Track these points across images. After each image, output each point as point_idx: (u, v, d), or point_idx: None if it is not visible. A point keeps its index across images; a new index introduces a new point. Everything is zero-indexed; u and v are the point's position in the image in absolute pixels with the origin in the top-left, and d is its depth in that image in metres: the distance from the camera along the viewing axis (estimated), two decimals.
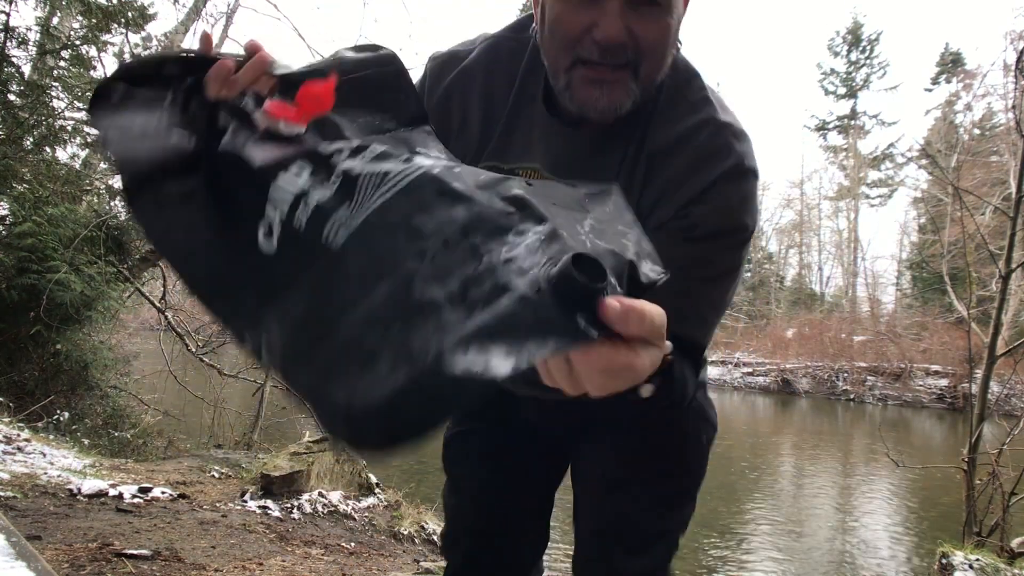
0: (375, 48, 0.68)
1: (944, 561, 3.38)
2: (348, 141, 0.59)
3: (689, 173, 0.73)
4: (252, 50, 0.62)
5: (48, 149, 6.37)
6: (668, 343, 0.50)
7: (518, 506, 1.03)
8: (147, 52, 8.51)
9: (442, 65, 0.84)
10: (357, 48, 0.68)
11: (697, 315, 0.76)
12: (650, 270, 0.50)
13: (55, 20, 6.88)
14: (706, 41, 69.80)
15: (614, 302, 0.41)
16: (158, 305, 7.15)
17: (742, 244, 0.76)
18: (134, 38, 8.08)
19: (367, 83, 0.65)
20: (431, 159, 0.59)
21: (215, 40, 8.97)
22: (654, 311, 0.43)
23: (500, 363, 0.40)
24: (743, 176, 0.74)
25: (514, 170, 0.79)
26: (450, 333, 0.43)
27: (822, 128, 35.71)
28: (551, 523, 1.10)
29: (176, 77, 0.63)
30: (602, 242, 0.49)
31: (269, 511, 3.67)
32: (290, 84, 0.61)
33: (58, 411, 5.71)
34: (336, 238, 0.53)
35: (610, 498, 0.93)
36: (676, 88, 0.77)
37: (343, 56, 0.66)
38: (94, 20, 6.46)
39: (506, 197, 0.52)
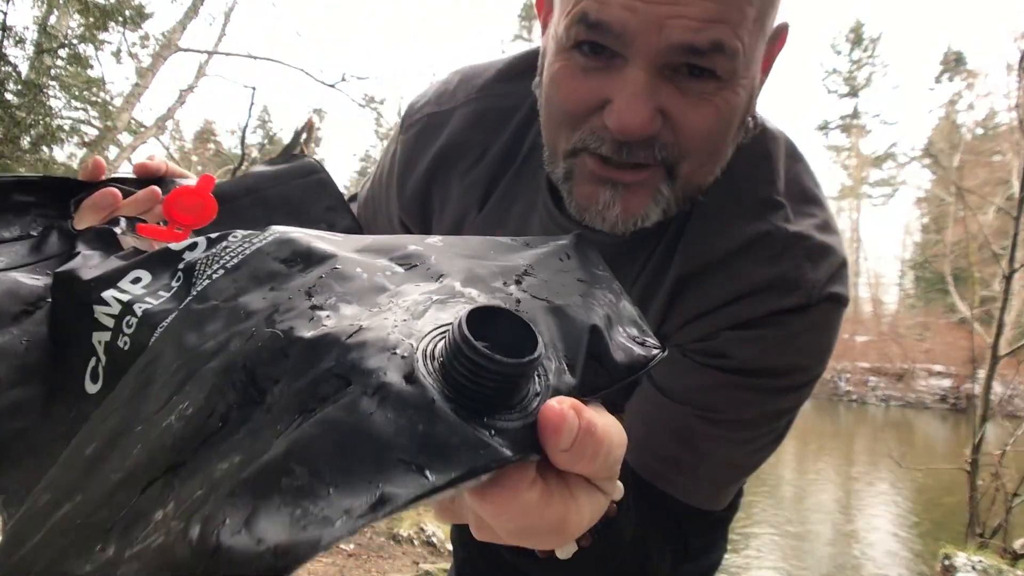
0: (293, 158, 0.62)
1: (947, 562, 3.36)
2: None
3: (733, 304, 0.51)
4: (143, 173, 0.51)
5: (45, 148, 6.35)
6: (620, 486, 0.33)
7: None
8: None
9: (418, 137, 0.65)
10: (272, 160, 0.62)
11: (708, 477, 0.54)
12: (631, 341, 0.32)
13: (52, 19, 6.87)
14: None
15: (556, 408, 0.24)
16: None
17: (798, 388, 0.53)
18: (131, 36, 8.07)
19: (285, 197, 0.58)
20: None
21: (215, 39, 8.95)
22: (614, 436, 0.26)
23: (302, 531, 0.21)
24: (819, 309, 0.52)
25: None
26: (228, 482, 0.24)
27: (824, 127, 35.68)
28: None
29: (33, 204, 0.51)
30: (543, 297, 0.32)
31: None
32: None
33: None
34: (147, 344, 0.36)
35: None
36: (732, 174, 0.51)
37: (257, 170, 0.60)
38: (91, 19, 6.45)
39: (395, 256, 0.36)
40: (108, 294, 0.40)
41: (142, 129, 8.27)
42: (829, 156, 35.67)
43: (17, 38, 5.80)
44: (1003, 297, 4.00)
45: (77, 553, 0.26)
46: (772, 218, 0.52)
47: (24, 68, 6.23)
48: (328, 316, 0.29)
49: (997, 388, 4.93)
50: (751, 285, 0.50)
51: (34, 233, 0.49)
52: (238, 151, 7.06)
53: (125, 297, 0.39)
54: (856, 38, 34.49)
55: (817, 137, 36.31)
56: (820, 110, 46.23)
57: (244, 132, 6.78)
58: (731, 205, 0.52)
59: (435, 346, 0.26)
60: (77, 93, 6.38)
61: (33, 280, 0.45)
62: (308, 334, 0.28)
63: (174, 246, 0.41)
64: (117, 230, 0.49)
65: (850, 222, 32.91)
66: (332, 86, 7.72)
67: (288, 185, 0.60)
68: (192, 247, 0.40)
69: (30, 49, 6.13)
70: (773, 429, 0.54)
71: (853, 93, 34.82)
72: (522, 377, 0.25)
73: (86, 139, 6.79)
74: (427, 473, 0.22)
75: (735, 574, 5.24)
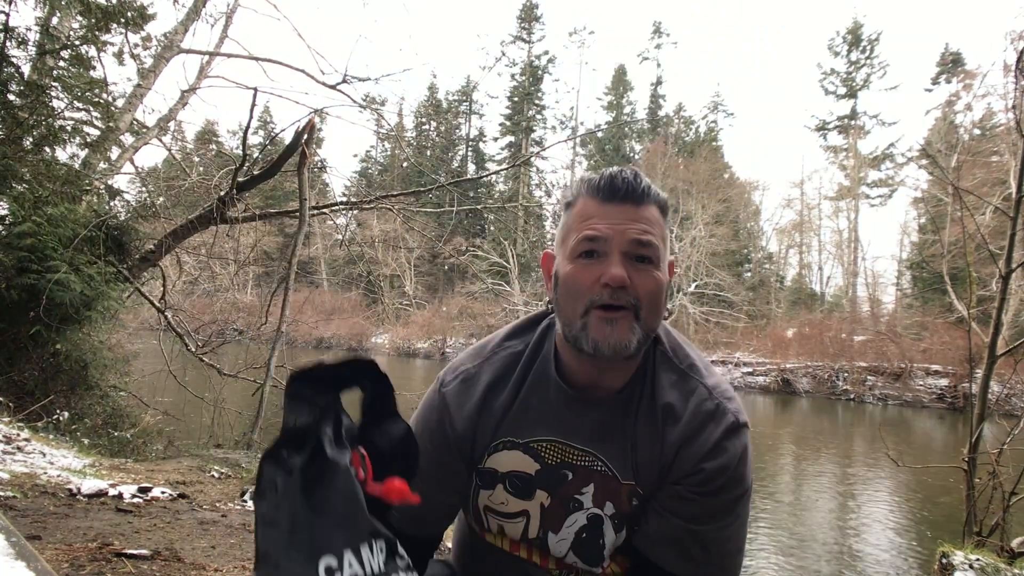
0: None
1: (944, 561, 3.38)
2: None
3: (697, 432, 0.83)
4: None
5: (48, 149, 6.36)
6: None
7: None
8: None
9: (463, 383, 0.93)
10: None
11: (721, 568, 0.84)
12: None
13: (55, 20, 6.87)
14: (707, 41, 69.76)
15: None
16: (158, 305, 7.15)
17: (745, 497, 0.84)
18: (133, 38, 8.08)
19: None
20: None
21: (214, 41, 8.93)
22: None
23: None
24: (739, 431, 0.83)
25: (528, 443, 0.87)
26: None
27: (822, 128, 35.72)
28: None
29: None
30: None
31: None
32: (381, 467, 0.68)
33: (58, 411, 5.71)
34: None
35: None
36: (666, 356, 0.90)
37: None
38: (94, 20, 6.46)
39: None
40: (365, 550, 0.62)
41: (144, 130, 8.27)
42: (827, 157, 35.77)
43: (19, 39, 5.80)
44: (1000, 297, 4.02)
45: None
46: (698, 377, 0.87)
47: (26, 69, 6.24)
48: None
49: (994, 387, 4.96)
50: (701, 416, 0.84)
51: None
52: (239, 151, 7.07)
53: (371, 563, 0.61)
54: (854, 39, 34.54)
55: (815, 138, 36.41)
56: (818, 111, 46.25)
57: (246, 133, 6.79)
58: (673, 369, 0.88)
59: None
60: (79, 94, 6.37)
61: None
62: None
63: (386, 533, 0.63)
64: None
65: (848, 222, 33.00)
66: (334, 87, 7.72)
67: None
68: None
69: (32, 50, 6.14)
70: (740, 522, 0.86)
71: (851, 94, 34.89)
72: None
73: (88, 140, 6.79)
74: None
75: None
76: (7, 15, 5.68)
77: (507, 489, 0.87)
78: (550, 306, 0.93)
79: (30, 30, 5.95)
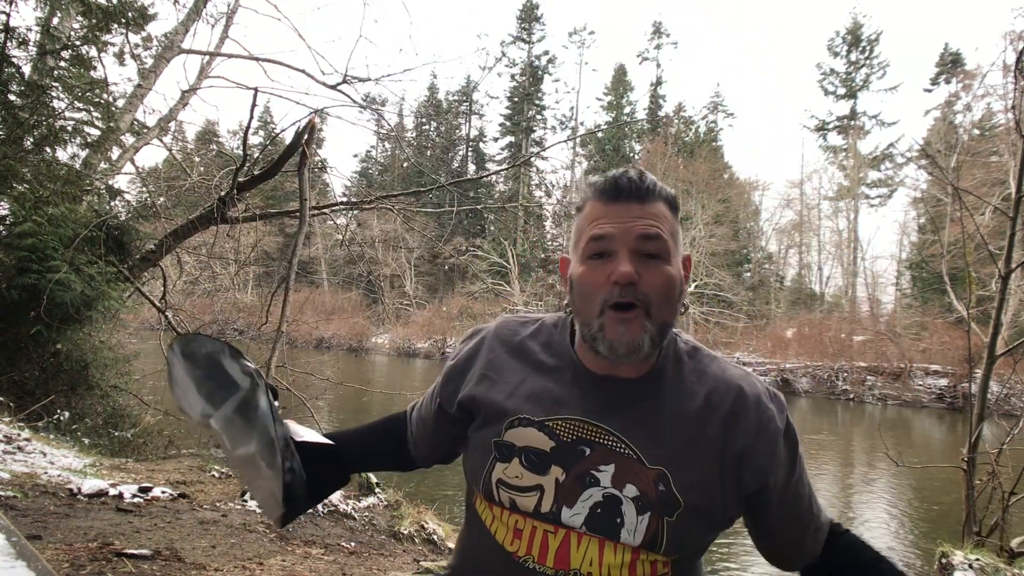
0: None
1: (944, 561, 3.39)
2: None
3: (744, 408, 0.86)
4: None
5: (48, 149, 6.36)
6: None
7: None
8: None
9: (472, 336, 1.04)
10: None
11: (817, 508, 0.93)
12: None
13: (55, 20, 6.87)
14: (707, 41, 69.70)
15: None
16: (158, 305, 7.15)
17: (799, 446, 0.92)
18: (134, 38, 8.08)
19: None
20: None
21: (214, 41, 8.94)
22: None
23: None
24: (774, 395, 0.90)
25: (543, 422, 0.89)
26: None
27: (822, 128, 35.72)
28: None
29: None
30: None
31: None
32: None
33: (58, 411, 5.71)
34: None
35: None
36: (687, 344, 0.94)
37: None
38: (94, 20, 6.47)
39: None
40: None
41: (145, 130, 8.27)
42: (826, 157, 35.77)
43: (20, 39, 5.81)
44: (999, 297, 4.02)
45: None
46: (726, 366, 0.92)
47: (27, 69, 6.24)
48: None
49: (994, 387, 4.96)
50: (756, 397, 0.88)
51: None
52: (240, 152, 7.07)
53: None
54: (854, 39, 34.55)
55: (814, 138, 36.42)
56: (818, 111, 46.26)
57: (246, 133, 6.79)
58: (697, 361, 0.92)
59: None
60: (80, 94, 6.38)
61: None
62: None
63: None
64: None
65: (848, 222, 32.98)
66: (334, 87, 7.72)
67: None
68: None
69: (33, 50, 6.15)
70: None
71: (851, 94, 34.89)
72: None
73: (89, 140, 6.80)
74: None
75: (733, 573, 5.28)
76: (8, 15, 5.69)
77: (522, 463, 0.87)
78: (567, 310, 0.95)
79: (31, 30, 5.96)
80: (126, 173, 8.36)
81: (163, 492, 3.70)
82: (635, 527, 0.81)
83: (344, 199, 9.06)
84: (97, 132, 7.01)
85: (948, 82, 30.46)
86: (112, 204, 7.01)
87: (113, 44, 7.51)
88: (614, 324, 0.82)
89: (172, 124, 9.64)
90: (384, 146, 46.37)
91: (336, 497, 4.04)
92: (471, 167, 44.00)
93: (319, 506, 3.88)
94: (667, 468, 0.82)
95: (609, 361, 0.86)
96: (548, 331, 0.99)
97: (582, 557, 0.83)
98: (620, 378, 0.89)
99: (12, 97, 5.94)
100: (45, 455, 4.40)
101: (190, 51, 8.44)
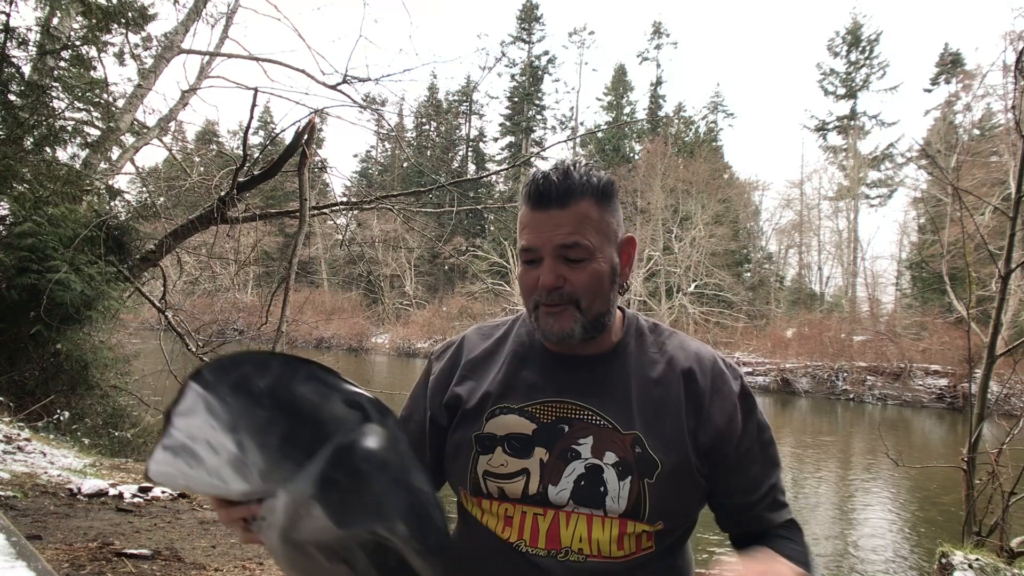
0: None
1: (944, 561, 3.39)
2: None
3: (709, 376, 0.94)
4: None
5: (48, 149, 6.36)
6: None
7: None
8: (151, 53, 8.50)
9: (445, 349, 1.08)
10: None
11: (776, 477, 0.99)
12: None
13: (55, 20, 6.87)
14: (707, 41, 69.68)
15: None
16: (158, 305, 7.15)
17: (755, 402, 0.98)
18: (134, 38, 8.08)
19: None
20: None
21: (214, 41, 8.93)
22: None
23: None
24: (729, 362, 0.98)
25: (523, 407, 0.93)
26: None
27: (822, 128, 35.71)
28: None
29: None
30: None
31: None
32: None
33: (58, 411, 5.71)
34: None
35: None
36: (648, 329, 1.01)
37: None
38: (94, 20, 6.46)
39: None
40: None
41: (145, 130, 8.27)
42: (826, 157, 35.77)
43: (20, 39, 5.81)
44: (999, 297, 4.02)
45: None
46: (680, 336, 1.01)
47: (27, 69, 6.24)
48: None
49: (994, 387, 4.96)
50: (708, 366, 0.95)
51: None
52: (240, 152, 7.07)
53: None
54: (854, 39, 34.55)
55: (814, 138, 36.42)
56: (818, 111, 46.27)
57: (246, 133, 6.79)
58: (656, 334, 1.00)
59: None
60: (80, 94, 6.37)
61: None
62: None
63: None
64: None
65: (847, 222, 32.98)
66: (334, 87, 7.73)
67: None
68: None
69: (33, 50, 6.15)
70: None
71: (851, 94, 34.89)
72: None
73: (89, 140, 6.80)
74: None
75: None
76: (8, 15, 5.69)
77: (506, 451, 0.90)
78: None
79: (31, 30, 5.96)
80: (126, 173, 8.37)
81: (163, 492, 3.70)
82: (618, 493, 0.85)
83: (344, 199, 9.06)
84: (97, 132, 7.02)
85: (948, 82, 30.47)
86: (112, 204, 7.01)
87: (113, 44, 7.51)
88: (546, 318, 0.90)
89: (172, 124, 9.66)
90: (384, 146, 46.37)
91: None
92: (471, 167, 44.00)
93: None
94: (640, 431, 0.88)
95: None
96: (517, 327, 1.05)
97: (572, 535, 0.86)
98: (587, 355, 0.95)
99: (12, 97, 5.94)
100: (45, 455, 4.40)
101: (190, 51, 8.44)
